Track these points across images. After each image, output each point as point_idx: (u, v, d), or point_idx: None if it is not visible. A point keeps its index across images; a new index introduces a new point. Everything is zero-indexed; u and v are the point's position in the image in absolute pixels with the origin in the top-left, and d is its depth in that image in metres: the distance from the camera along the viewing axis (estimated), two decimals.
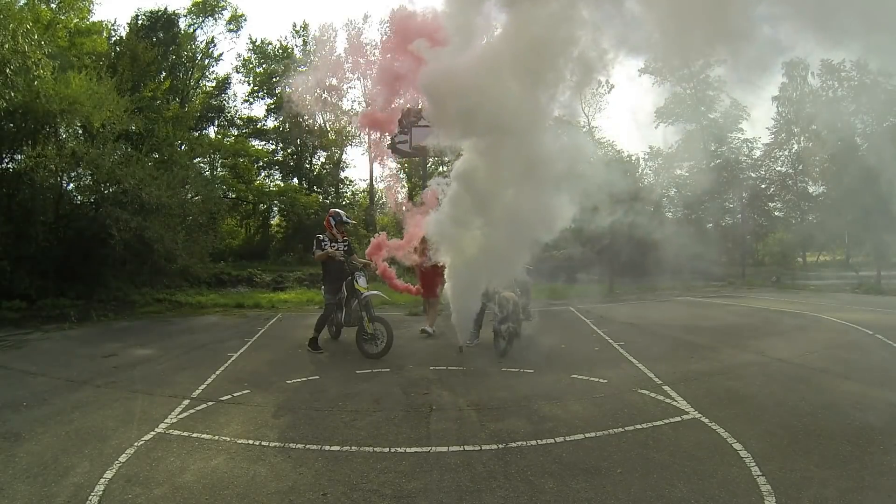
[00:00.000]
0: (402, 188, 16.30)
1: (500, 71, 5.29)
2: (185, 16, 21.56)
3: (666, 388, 4.59)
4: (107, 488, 2.82)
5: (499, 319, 5.99)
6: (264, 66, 24.00)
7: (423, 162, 12.62)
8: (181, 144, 15.39)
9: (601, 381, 4.89)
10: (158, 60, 17.35)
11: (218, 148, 21.65)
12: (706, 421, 3.72)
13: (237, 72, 24.22)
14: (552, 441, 3.43)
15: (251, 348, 6.74)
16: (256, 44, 23.91)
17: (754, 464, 3.00)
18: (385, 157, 12.26)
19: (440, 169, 15.87)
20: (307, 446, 3.41)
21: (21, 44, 9.46)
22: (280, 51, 24.33)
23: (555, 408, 4.13)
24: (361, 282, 6.10)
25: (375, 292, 6.10)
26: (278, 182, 24.58)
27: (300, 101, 11.18)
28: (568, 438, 3.47)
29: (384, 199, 21.93)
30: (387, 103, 8.88)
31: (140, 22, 19.89)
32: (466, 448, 3.34)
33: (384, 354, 5.81)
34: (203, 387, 4.87)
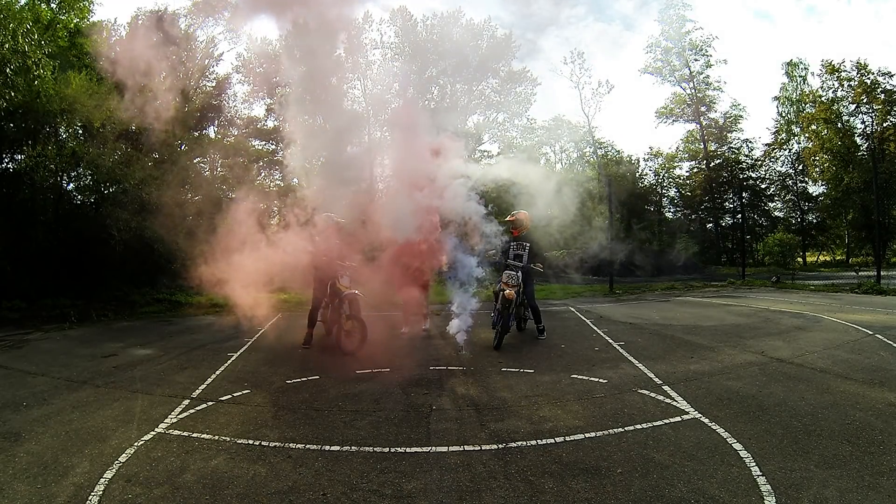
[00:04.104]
0: None
1: None
2: (185, 16, 21.56)
3: (666, 388, 4.59)
4: (107, 488, 2.82)
5: (496, 314, 6.54)
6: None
7: None
8: (181, 144, 15.39)
9: (601, 381, 4.89)
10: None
11: (218, 148, 21.64)
12: (706, 421, 3.72)
13: (237, 72, 24.28)
14: (552, 441, 3.43)
15: (251, 348, 6.75)
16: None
17: (754, 464, 2.99)
18: None
19: None
20: (307, 446, 3.41)
21: (21, 44, 9.48)
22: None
23: (555, 408, 4.13)
24: (344, 281, 6.48)
25: (356, 291, 6.43)
26: (278, 182, 24.57)
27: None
28: (568, 438, 3.47)
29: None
30: None
31: (140, 22, 19.89)
32: (466, 448, 3.34)
33: (359, 350, 6.14)
34: (203, 387, 4.87)
